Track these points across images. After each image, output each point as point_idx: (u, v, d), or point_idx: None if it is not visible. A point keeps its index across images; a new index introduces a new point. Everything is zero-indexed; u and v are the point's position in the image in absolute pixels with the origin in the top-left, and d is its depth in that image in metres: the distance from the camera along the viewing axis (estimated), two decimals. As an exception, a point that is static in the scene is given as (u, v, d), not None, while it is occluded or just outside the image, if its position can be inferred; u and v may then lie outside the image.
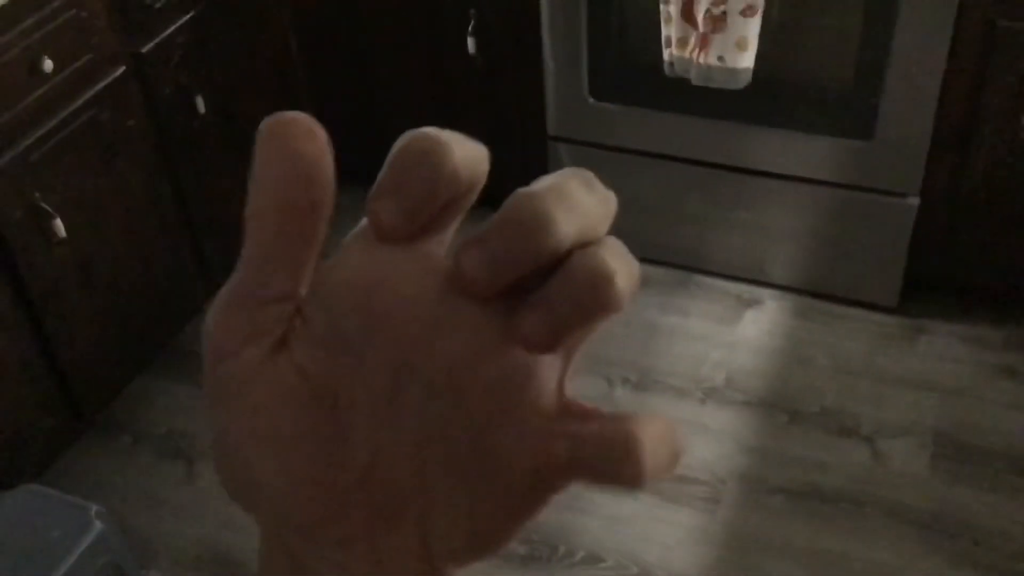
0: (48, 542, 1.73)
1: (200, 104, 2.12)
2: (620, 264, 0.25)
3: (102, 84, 1.91)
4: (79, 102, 1.87)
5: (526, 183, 0.25)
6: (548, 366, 0.26)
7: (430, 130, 0.25)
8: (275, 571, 0.29)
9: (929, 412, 2.04)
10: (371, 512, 0.27)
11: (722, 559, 1.84)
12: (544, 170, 1.55)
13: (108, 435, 2.15)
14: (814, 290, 2.29)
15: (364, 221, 0.26)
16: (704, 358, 2.19)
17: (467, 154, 0.25)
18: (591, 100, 2.23)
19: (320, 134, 0.26)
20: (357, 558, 0.27)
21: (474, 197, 0.26)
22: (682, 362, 2.19)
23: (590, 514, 1.91)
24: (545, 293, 0.25)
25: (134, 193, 2.05)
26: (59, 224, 1.83)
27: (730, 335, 2.24)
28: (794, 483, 1.94)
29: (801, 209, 2.19)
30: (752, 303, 2.31)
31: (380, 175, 0.26)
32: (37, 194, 1.80)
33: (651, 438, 0.25)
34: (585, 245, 0.25)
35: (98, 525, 1.75)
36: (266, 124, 0.26)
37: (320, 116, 0.27)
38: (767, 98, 2.06)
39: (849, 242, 2.19)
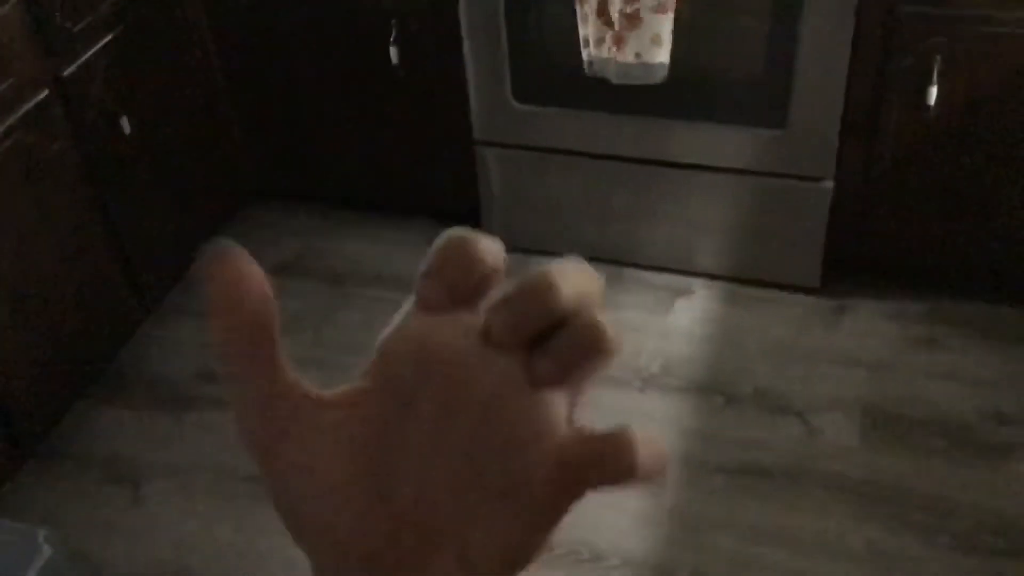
0: (-5, 572, 1.71)
1: (125, 125, 2.12)
2: (609, 324, 0.32)
3: (24, 108, 1.90)
4: (2, 128, 1.86)
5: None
6: (560, 402, 0.32)
7: (462, 229, 0.33)
8: None
9: (857, 386, 2.12)
10: (420, 539, 0.32)
11: (670, 539, 1.89)
12: (472, 175, 1.63)
13: (50, 464, 2.12)
14: (740, 276, 2.37)
15: (412, 299, 0.33)
16: (640, 348, 2.25)
17: (491, 247, 0.33)
18: (515, 103, 2.28)
19: (251, 265, 0.32)
20: None
21: (499, 280, 0.33)
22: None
23: (539, 505, 1.95)
24: (554, 343, 0.32)
25: (61, 217, 2.04)
26: (-12, 251, 1.82)
27: (663, 324, 2.31)
28: (734, 462, 2.00)
29: (722, 198, 2.27)
30: (682, 292, 2.37)
31: (424, 263, 0.33)
32: (-36, 222, 1.79)
33: (641, 436, 0.32)
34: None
35: (47, 550, 1.73)
36: (208, 263, 0.32)
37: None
38: (684, 93, 2.13)
39: (770, 228, 2.28)
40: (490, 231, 0.30)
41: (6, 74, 1.84)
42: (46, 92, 1.94)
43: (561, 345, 0.31)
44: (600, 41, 2.01)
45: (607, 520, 1.91)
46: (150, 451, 2.15)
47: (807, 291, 2.31)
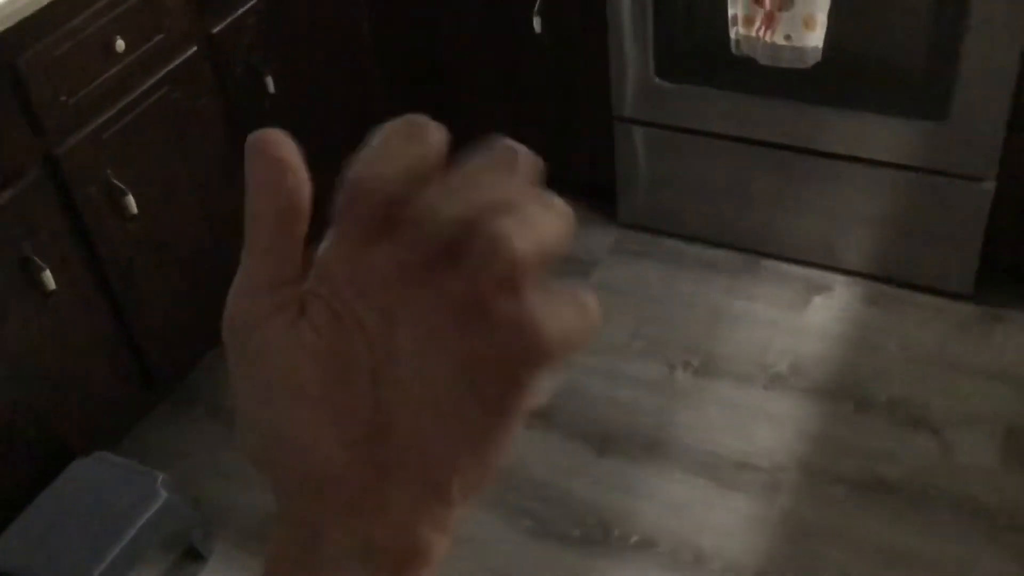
0: (116, 509, 1.80)
1: (270, 84, 2.16)
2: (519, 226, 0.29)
3: (174, 64, 1.96)
4: (151, 81, 1.92)
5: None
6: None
7: (371, 151, 0.32)
8: (288, 543, 0.33)
9: (1001, 403, 1.97)
10: (378, 466, 0.31)
11: (779, 548, 1.81)
12: (609, 150, 1.57)
13: (183, 406, 2.21)
14: (885, 276, 2.23)
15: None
16: (769, 344, 2.15)
17: (410, 157, 0.31)
18: (657, 80, 2.20)
19: (295, 148, 0.32)
20: (369, 515, 0.31)
21: (433, 177, 0.31)
22: (746, 347, 2.15)
23: (646, 498, 1.90)
24: (462, 265, 0.29)
25: (205, 171, 2.10)
26: (131, 200, 1.89)
27: (797, 321, 2.20)
28: (858, 473, 1.90)
29: (872, 192, 2.14)
30: (821, 288, 2.26)
31: (337, 194, 0.32)
32: (109, 171, 1.86)
33: (557, 307, 0.29)
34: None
35: (163, 494, 1.80)
36: (253, 140, 0.32)
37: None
38: (837, 77, 2.01)
39: (922, 227, 2.13)
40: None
41: (157, 30, 1.90)
42: (195, 49, 2.00)
43: (467, 269, 0.29)
44: (749, 20, 1.92)
45: (713, 520, 1.85)
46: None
47: (958, 297, 2.16)
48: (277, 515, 0.33)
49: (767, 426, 2.00)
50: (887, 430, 1.96)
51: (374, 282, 0.31)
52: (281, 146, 0.31)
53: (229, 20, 2.07)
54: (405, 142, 0.31)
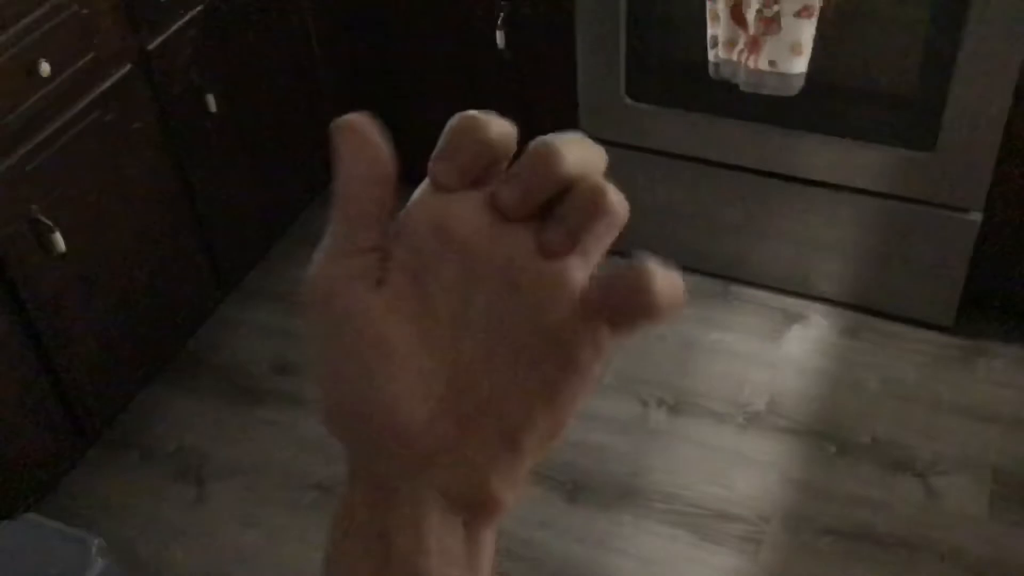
0: (46, 579, 1.63)
1: (211, 103, 1.99)
2: (611, 187, 0.32)
3: (106, 85, 1.79)
4: (81, 105, 1.74)
5: None
6: (576, 263, 0.32)
7: (473, 112, 0.33)
8: (362, 496, 0.33)
9: (989, 445, 1.90)
10: (457, 420, 0.32)
11: (764, 606, 1.71)
12: None
13: (116, 451, 2.04)
14: (864, 306, 2.14)
15: (426, 181, 0.33)
16: (745, 379, 2.05)
17: (501, 129, 0.33)
18: (628, 100, 2.08)
19: (376, 127, 0.34)
20: (445, 469, 0.32)
21: (506, 163, 0.33)
22: (722, 383, 2.05)
23: (622, 553, 1.79)
24: (558, 211, 0.32)
25: (141, 197, 1.93)
26: (58, 238, 1.71)
27: (773, 353, 2.10)
28: (842, 523, 1.81)
29: (853, 221, 2.04)
30: (797, 318, 2.16)
31: (438, 145, 0.33)
32: (34, 206, 1.68)
33: (657, 268, 0.31)
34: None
35: (99, 562, 1.64)
36: (339, 122, 0.33)
37: (339, 114, 0.34)
38: (820, 103, 1.91)
39: (904, 257, 2.04)
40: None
41: (86, 49, 1.72)
42: (129, 67, 1.82)
43: (566, 210, 0.32)
44: (731, 43, 1.80)
45: (696, 579, 1.75)
46: (218, 446, 2.05)
47: (940, 329, 2.08)
48: (347, 477, 0.34)
49: (746, 471, 1.90)
50: (872, 475, 1.87)
51: (460, 230, 0.32)
52: (364, 124, 0.34)
53: (166, 35, 1.90)
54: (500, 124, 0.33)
